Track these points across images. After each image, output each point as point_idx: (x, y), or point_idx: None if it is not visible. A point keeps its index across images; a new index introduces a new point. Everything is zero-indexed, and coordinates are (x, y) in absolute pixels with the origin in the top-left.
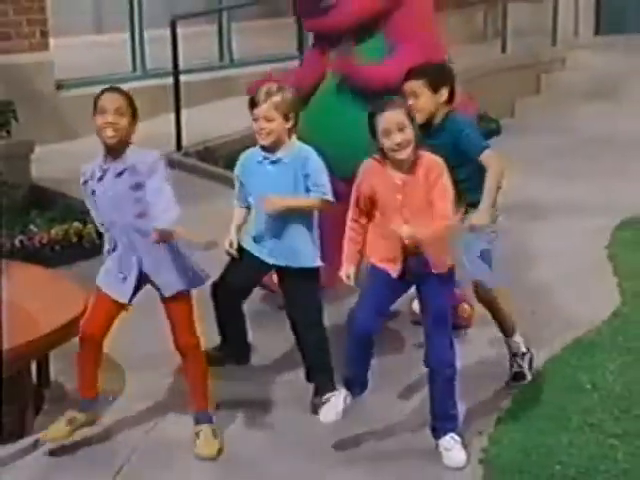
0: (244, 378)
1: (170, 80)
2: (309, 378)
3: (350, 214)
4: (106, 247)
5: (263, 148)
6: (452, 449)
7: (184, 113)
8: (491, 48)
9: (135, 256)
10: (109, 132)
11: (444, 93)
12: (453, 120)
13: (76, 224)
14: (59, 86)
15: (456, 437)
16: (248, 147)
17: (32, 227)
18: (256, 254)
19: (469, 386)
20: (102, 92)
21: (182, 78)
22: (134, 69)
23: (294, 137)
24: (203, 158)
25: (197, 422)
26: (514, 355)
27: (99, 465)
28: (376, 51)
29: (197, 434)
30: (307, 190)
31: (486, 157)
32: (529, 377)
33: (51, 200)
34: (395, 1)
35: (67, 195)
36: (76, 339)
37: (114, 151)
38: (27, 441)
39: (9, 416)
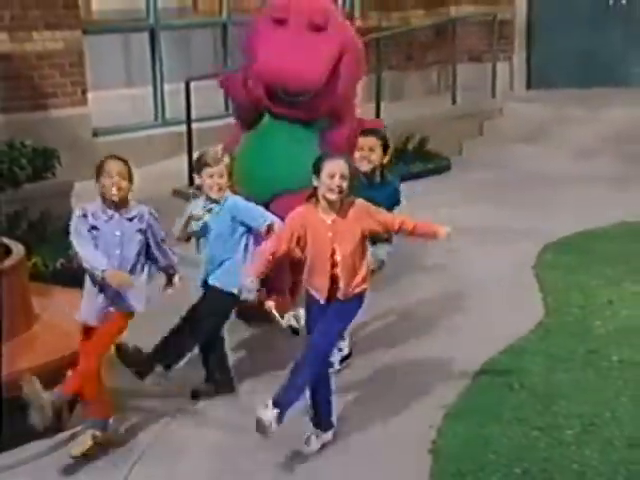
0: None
1: (184, 127)
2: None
3: (273, 244)
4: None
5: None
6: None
7: (195, 154)
8: (443, 100)
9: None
10: (114, 190)
11: (387, 156)
12: (392, 179)
13: None
14: (95, 133)
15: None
16: None
17: (71, 252)
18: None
19: (420, 386)
20: (113, 157)
21: (194, 125)
22: (155, 118)
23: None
24: None
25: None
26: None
27: (119, 455)
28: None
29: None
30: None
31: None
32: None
33: None
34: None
35: None
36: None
37: (120, 202)
38: (63, 435)
39: None
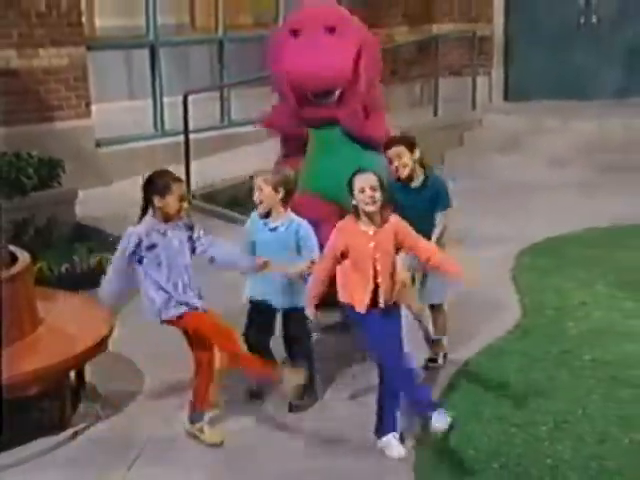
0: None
1: (182, 138)
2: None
3: (322, 265)
4: (156, 287)
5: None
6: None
7: (193, 163)
8: (426, 112)
9: (190, 289)
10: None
11: (417, 152)
12: (435, 179)
13: (107, 254)
14: (98, 144)
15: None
16: (243, 191)
17: (75, 257)
18: (269, 303)
19: None
20: (177, 179)
21: (191, 136)
22: (155, 129)
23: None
24: (207, 199)
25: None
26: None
27: (119, 452)
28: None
29: (201, 429)
30: (298, 248)
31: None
32: (440, 362)
33: (90, 234)
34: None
35: (102, 230)
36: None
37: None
38: (67, 433)
39: (52, 412)
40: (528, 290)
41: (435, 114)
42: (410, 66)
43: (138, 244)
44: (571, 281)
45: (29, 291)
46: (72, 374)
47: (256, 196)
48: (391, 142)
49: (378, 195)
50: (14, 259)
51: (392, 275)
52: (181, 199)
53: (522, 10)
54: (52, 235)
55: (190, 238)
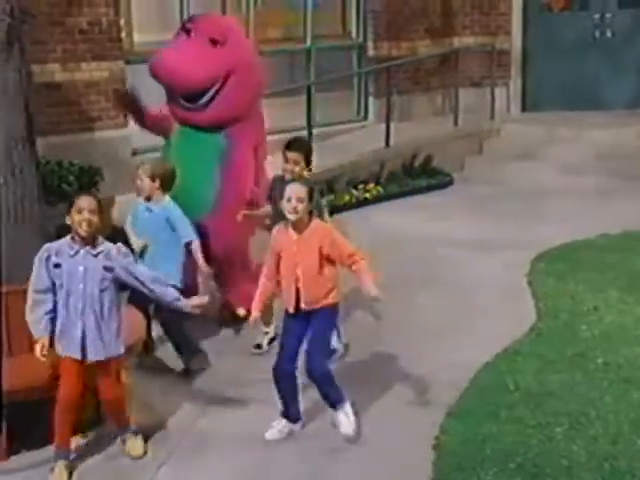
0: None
1: None
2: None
3: (266, 266)
4: (44, 309)
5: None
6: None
7: None
8: (447, 121)
9: (81, 320)
10: (85, 226)
11: (310, 168)
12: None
13: None
14: (134, 152)
15: (347, 409)
16: None
17: None
18: None
19: (424, 387)
20: (83, 193)
21: None
22: None
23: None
24: None
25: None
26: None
27: (155, 448)
28: None
29: (123, 441)
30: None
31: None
32: (265, 348)
33: (126, 238)
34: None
35: None
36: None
37: (88, 238)
38: (105, 430)
39: (89, 410)
40: (543, 294)
41: (455, 123)
42: (432, 77)
43: (47, 258)
44: (585, 286)
45: None
46: None
47: (137, 184)
48: (294, 146)
49: (301, 207)
50: None
51: (316, 280)
52: (79, 210)
53: (539, 24)
54: None
55: (109, 270)
